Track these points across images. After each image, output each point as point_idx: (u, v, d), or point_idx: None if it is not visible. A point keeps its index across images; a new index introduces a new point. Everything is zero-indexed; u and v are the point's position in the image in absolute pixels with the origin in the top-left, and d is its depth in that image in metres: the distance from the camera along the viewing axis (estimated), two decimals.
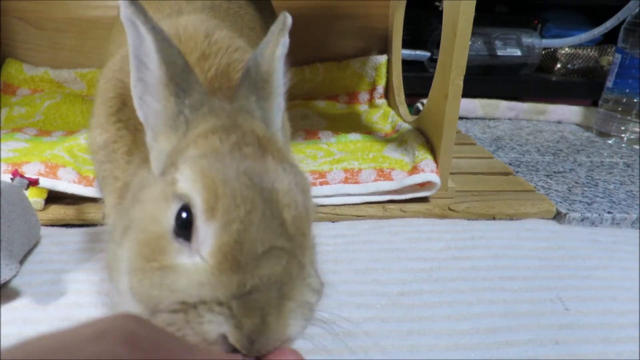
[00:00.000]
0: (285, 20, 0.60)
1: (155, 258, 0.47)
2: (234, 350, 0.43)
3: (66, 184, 0.97)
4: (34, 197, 0.96)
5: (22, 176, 0.93)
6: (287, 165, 0.51)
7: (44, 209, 0.97)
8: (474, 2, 0.96)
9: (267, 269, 0.43)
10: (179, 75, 0.56)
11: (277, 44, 0.59)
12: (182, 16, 0.82)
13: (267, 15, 1.10)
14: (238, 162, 0.48)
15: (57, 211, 0.97)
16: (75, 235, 0.94)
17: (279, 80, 0.59)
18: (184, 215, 0.46)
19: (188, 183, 0.47)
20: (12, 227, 0.81)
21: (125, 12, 0.53)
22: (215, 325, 0.42)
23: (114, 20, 0.92)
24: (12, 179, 0.92)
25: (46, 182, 0.96)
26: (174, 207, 0.47)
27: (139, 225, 0.51)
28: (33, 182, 0.95)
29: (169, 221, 0.47)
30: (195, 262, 0.45)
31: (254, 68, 0.59)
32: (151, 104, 0.57)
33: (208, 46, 0.72)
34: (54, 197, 0.99)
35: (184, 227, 0.47)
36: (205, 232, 0.45)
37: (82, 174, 1.00)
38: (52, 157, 1.03)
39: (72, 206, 0.98)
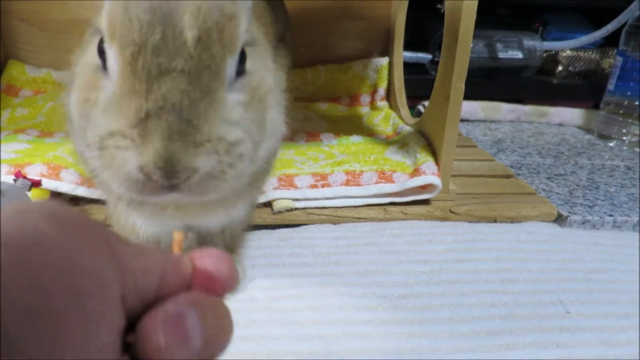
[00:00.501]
0: None
1: (90, 96, 0.49)
2: (161, 190, 0.44)
3: (68, 186, 0.98)
4: (37, 199, 0.96)
5: (24, 177, 0.94)
6: None
7: None
8: (476, 4, 0.96)
9: (162, 91, 0.43)
10: None
11: None
12: None
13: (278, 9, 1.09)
14: None
15: None
16: None
17: None
18: (103, 46, 0.47)
19: (102, 16, 0.47)
20: None
21: None
22: (128, 163, 0.43)
23: None
24: (14, 180, 0.92)
25: (48, 184, 0.97)
26: (96, 41, 0.49)
27: (80, 73, 0.53)
28: (35, 184, 0.95)
29: (97, 55, 0.49)
30: (107, 91, 0.47)
31: None
32: None
33: None
34: (56, 199, 0.99)
35: (104, 60, 0.48)
36: (110, 57, 0.46)
37: (84, 176, 1.00)
38: (55, 158, 1.03)
39: (74, 207, 0.99)
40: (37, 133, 1.24)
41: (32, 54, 1.51)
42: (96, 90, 0.49)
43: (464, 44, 0.99)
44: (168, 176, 0.43)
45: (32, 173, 0.98)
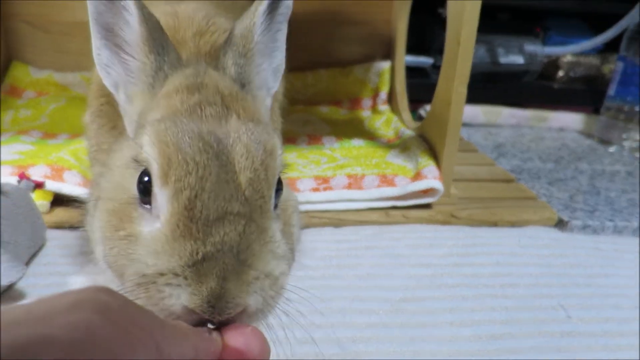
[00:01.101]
0: None
1: (123, 226, 0.48)
2: (202, 323, 0.42)
3: (71, 187, 0.98)
4: (40, 200, 0.96)
5: (28, 179, 0.94)
6: (252, 125, 0.50)
7: (49, 212, 0.98)
8: (478, 9, 0.97)
9: (221, 235, 0.43)
10: (157, 33, 0.57)
11: (260, 1, 0.59)
12: (183, 4, 0.84)
13: None
14: (196, 124, 0.48)
15: (63, 214, 0.98)
16: (80, 238, 0.95)
17: (259, 36, 0.58)
18: (145, 179, 0.47)
19: (147, 148, 0.47)
20: (19, 229, 0.82)
21: None
22: (174, 298, 0.42)
23: None
24: (18, 182, 0.93)
25: (52, 185, 0.97)
26: (137, 173, 0.48)
27: (108, 194, 0.52)
28: (39, 185, 0.96)
29: (134, 188, 0.48)
30: (153, 230, 0.46)
31: (236, 25, 0.60)
32: (130, 62, 0.58)
33: (205, 25, 0.73)
34: (60, 200, 0.99)
35: (146, 194, 0.47)
36: (161, 198, 0.45)
37: (87, 177, 1.01)
38: (58, 160, 1.03)
39: (77, 209, 0.99)
40: (40, 134, 1.25)
41: (35, 56, 1.51)
42: (131, 222, 0.48)
43: (466, 48, 1.00)
44: (218, 313, 0.42)
45: (36, 174, 0.98)
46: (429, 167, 1.07)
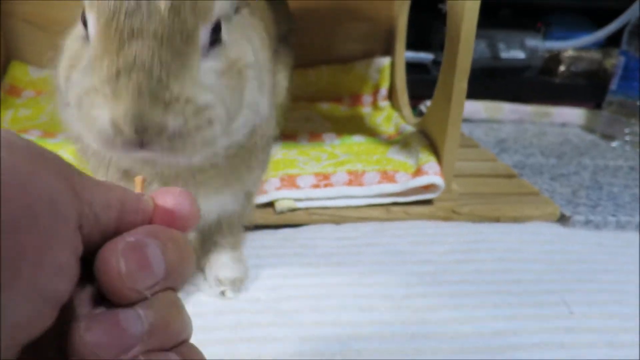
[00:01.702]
0: None
1: (74, 63, 0.53)
2: (133, 145, 0.46)
3: None
4: None
5: None
6: None
7: None
8: (478, 4, 0.96)
9: (133, 51, 0.46)
10: None
11: None
12: None
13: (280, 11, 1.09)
14: None
15: None
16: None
17: None
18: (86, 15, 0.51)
19: None
20: None
21: None
22: (101, 117, 0.46)
23: None
24: None
25: None
26: (80, 12, 0.53)
27: (67, 46, 0.58)
28: None
29: (82, 26, 0.53)
30: (87, 56, 0.50)
31: None
32: None
33: None
34: None
35: (86, 25, 0.51)
36: (90, 24, 0.49)
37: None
38: None
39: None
40: (39, 133, 1.25)
41: (34, 55, 1.51)
42: (80, 58, 0.52)
43: (466, 43, 0.99)
44: (137, 131, 0.45)
45: None
46: (430, 163, 1.06)
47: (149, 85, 0.45)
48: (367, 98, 1.56)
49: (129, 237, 0.30)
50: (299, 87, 1.53)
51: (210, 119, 0.49)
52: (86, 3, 0.50)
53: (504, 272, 0.91)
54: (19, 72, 1.48)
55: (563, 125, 1.86)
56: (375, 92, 1.55)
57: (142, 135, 0.46)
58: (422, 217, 1.05)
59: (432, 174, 1.03)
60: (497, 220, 1.08)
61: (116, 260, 0.28)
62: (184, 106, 0.47)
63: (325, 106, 1.53)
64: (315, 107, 1.51)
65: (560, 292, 0.87)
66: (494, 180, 1.24)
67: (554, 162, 1.49)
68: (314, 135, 1.30)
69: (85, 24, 0.51)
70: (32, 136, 1.22)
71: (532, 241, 1.01)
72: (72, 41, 0.57)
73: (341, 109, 1.53)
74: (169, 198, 0.33)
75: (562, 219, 1.10)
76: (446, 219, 1.06)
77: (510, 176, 1.28)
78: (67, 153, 1.07)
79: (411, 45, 1.61)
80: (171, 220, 0.33)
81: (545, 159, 1.51)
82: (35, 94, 1.46)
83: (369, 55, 1.59)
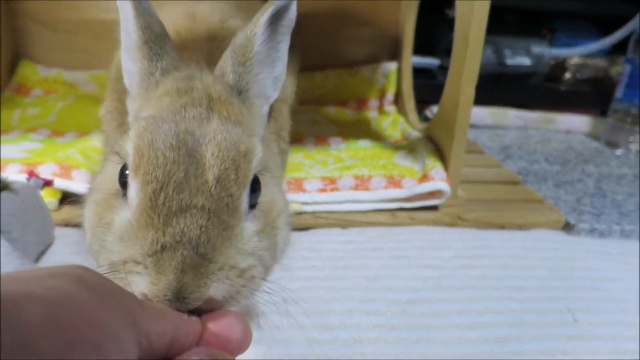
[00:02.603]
0: None
1: (105, 216, 0.51)
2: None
3: (79, 185, 0.98)
4: (49, 198, 0.97)
5: (37, 177, 0.95)
6: (231, 126, 0.52)
7: (57, 210, 0.98)
8: (487, 9, 0.96)
9: (180, 227, 0.44)
10: (154, 40, 0.61)
11: (263, 12, 0.60)
12: (202, 4, 0.85)
13: None
14: (175, 124, 0.50)
15: (71, 212, 0.98)
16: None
17: (259, 46, 0.60)
18: (126, 172, 0.50)
19: (127, 143, 0.50)
20: (28, 227, 0.82)
21: None
22: (135, 286, 0.44)
23: None
24: (28, 179, 0.93)
25: (60, 183, 0.98)
26: (119, 166, 0.51)
27: (98, 187, 0.55)
28: (48, 183, 0.96)
29: (117, 180, 0.51)
30: (123, 219, 0.48)
31: (239, 34, 0.62)
32: (130, 67, 0.62)
33: (220, 29, 0.76)
34: (67, 198, 1.00)
35: (125, 186, 0.50)
36: (132, 189, 0.48)
37: (94, 175, 1.01)
38: (66, 158, 1.04)
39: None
40: (48, 132, 1.25)
41: (43, 54, 1.52)
42: (112, 212, 0.50)
43: (474, 49, 1.00)
44: (177, 306, 0.42)
45: (44, 172, 0.99)
46: (436, 168, 1.07)
47: (193, 262, 0.43)
48: (373, 102, 1.56)
49: (191, 356, 0.31)
50: (305, 90, 1.53)
51: (252, 277, 0.48)
52: (129, 165, 0.49)
53: (509, 279, 0.91)
54: (28, 70, 1.49)
55: (568, 132, 1.87)
56: (382, 96, 1.56)
57: (179, 308, 0.42)
58: (428, 223, 1.06)
59: (439, 180, 1.04)
60: (502, 227, 1.09)
61: None
62: (227, 273, 0.45)
63: (331, 110, 1.54)
64: (321, 111, 1.52)
65: (565, 299, 0.87)
66: (499, 187, 1.24)
67: (558, 169, 1.49)
68: (320, 138, 1.31)
69: (122, 179, 0.50)
70: (41, 135, 1.23)
71: (537, 248, 1.02)
72: (102, 186, 0.54)
73: (347, 113, 1.54)
74: (221, 322, 0.35)
75: (567, 227, 1.11)
76: (452, 224, 1.07)
77: (515, 183, 1.29)
78: (76, 152, 1.08)
79: (417, 50, 1.62)
80: (224, 343, 0.34)
81: (550, 165, 1.52)
82: (43, 93, 1.47)
83: (375, 59, 1.59)
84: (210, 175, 0.47)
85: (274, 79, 0.64)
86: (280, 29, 0.63)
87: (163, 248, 0.43)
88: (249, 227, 0.50)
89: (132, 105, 0.64)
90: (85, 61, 1.51)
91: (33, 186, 0.90)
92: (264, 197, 0.54)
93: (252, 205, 0.52)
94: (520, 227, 1.09)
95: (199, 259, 0.43)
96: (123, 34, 0.63)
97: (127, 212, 0.48)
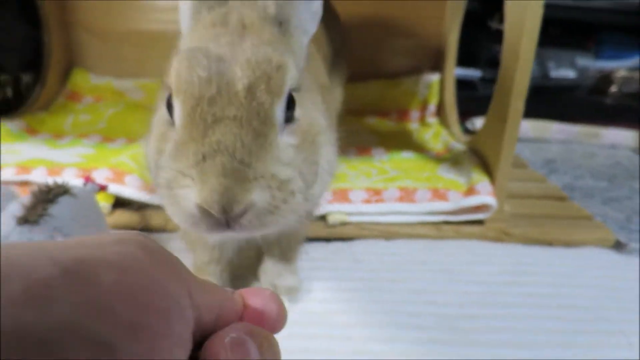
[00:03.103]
0: None
1: (162, 147, 0.55)
2: (219, 225, 0.48)
3: (132, 190, 1.01)
4: (102, 202, 1.00)
5: (93, 182, 0.98)
6: (262, 46, 0.55)
7: (110, 214, 1.01)
8: (539, 21, 0.96)
9: (217, 136, 0.48)
10: None
11: None
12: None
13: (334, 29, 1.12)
14: (209, 50, 0.54)
15: (123, 216, 1.01)
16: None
17: None
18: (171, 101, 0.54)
19: (170, 72, 0.54)
20: (87, 230, 0.85)
21: None
22: (187, 200, 0.48)
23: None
24: (84, 184, 0.97)
25: (114, 188, 1.01)
26: (165, 96, 0.55)
27: (155, 125, 0.60)
28: (103, 188, 1.00)
29: (166, 112, 0.55)
30: (171, 140, 0.53)
31: None
32: (183, 7, 0.66)
33: None
34: (119, 203, 1.03)
35: (171, 112, 0.54)
36: (176, 110, 0.52)
37: (146, 181, 1.04)
38: (119, 164, 1.07)
39: (136, 212, 1.02)
40: (99, 138, 1.30)
41: (95, 63, 1.58)
42: (167, 141, 0.55)
43: (524, 63, 0.99)
44: (225, 210, 0.46)
45: (99, 177, 1.02)
46: (482, 182, 1.05)
47: (233, 167, 0.47)
48: (414, 114, 1.56)
49: (232, 333, 0.32)
50: (346, 100, 1.54)
51: (292, 191, 0.51)
52: (174, 89, 0.53)
53: (558, 297, 0.89)
54: (80, 78, 1.55)
55: (612, 146, 1.81)
56: (423, 108, 1.55)
57: (229, 213, 0.47)
58: (473, 237, 1.04)
59: (485, 194, 1.03)
60: (549, 243, 1.06)
61: (225, 352, 0.30)
62: (268, 182, 0.49)
63: (372, 120, 1.54)
64: (362, 121, 1.53)
65: (617, 321, 0.84)
66: (544, 202, 1.22)
67: (605, 185, 1.45)
68: (362, 149, 1.31)
69: (169, 109, 0.54)
70: (93, 141, 1.27)
71: (586, 267, 0.99)
72: (158, 122, 0.59)
73: (388, 124, 1.54)
74: (258, 300, 0.36)
75: (618, 246, 1.07)
76: (497, 239, 1.05)
77: (561, 199, 1.26)
78: (127, 158, 1.11)
79: (458, 61, 1.61)
80: (260, 321, 0.35)
81: (596, 181, 1.48)
82: (94, 100, 1.53)
83: (417, 70, 1.59)
84: (240, 85, 0.50)
85: (312, 13, 0.66)
86: None
87: (204, 157, 0.47)
88: (285, 140, 0.53)
89: (180, 43, 0.68)
90: (133, 70, 1.56)
91: (89, 191, 0.94)
92: (301, 115, 0.56)
93: (287, 120, 0.54)
94: (568, 244, 1.07)
95: (238, 164, 0.47)
96: None
97: (174, 134, 0.53)
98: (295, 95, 0.56)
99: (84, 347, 0.22)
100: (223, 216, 0.47)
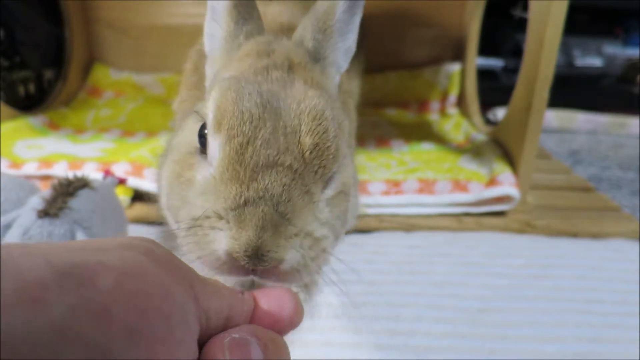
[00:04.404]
0: None
1: (184, 173, 0.51)
2: (242, 272, 0.44)
3: (150, 184, 1.02)
4: (122, 195, 1.01)
5: (113, 175, 0.99)
6: (319, 92, 0.51)
7: (129, 207, 1.02)
8: (565, 8, 0.93)
9: (265, 183, 0.44)
10: (244, 5, 0.63)
11: None
12: (270, 6, 0.88)
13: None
14: (259, 83, 0.50)
15: (142, 209, 1.02)
16: (159, 233, 0.98)
17: (340, 14, 0.61)
18: (205, 131, 0.50)
19: (209, 102, 0.50)
20: (106, 223, 0.86)
21: None
22: (217, 243, 0.43)
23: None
24: (104, 178, 0.97)
25: (133, 181, 1.02)
26: (199, 125, 0.51)
27: (176, 148, 0.56)
28: (122, 181, 1.00)
29: (197, 139, 0.51)
30: (206, 175, 0.48)
31: (319, 3, 0.62)
32: (216, 30, 0.64)
33: (288, 29, 0.76)
34: (138, 196, 1.03)
35: (204, 144, 0.50)
36: (213, 145, 0.48)
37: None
38: (138, 157, 1.08)
39: (155, 205, 1.03)
40: (119, 132, 1.31)
41: (115, 58, 1.59)
42: (191, 169, 0.51)
43: (549, 50, 0.96)
44: (254, 262, 0.43)
45: (118, 171, 1.03)
46: (505, 173, 1.03)
47: (273, 219, 0.43)
48: (434, 104, 1.53)
49: (234, 334, 0.31)
50: (365, 92, 1.52)
51: (324, 249, 0.48)
52: (209, 122, 0.48)
53: (586, 291, 0.86)
54: (100, 74, 1.56)
55: None
56: (444, 98, 1.52)
57: (258, 265, 0.43)
58: (495, 229, 1.02)
59: (508, 185, 1.00)
60: (574, 235, 1.03)
61: (222, 353, 0.30)
62: (302, 240, 0.45)
63: (391, 112, 1.52)
64: (381, 113, 1.51)
65: None
66: (570, 194, 1.18)
67: (633, 176, 1.40)
68: (382, 141, 1.30)
69: (201, 138, 0.50)
70: (113, 135, 1.29)
71: (614, 259, 0.96)
72: (180, 146, 0.55)
73: (408, 115, 1.51)
74: (271, 300, 0.34)
75: None
76: (520, 231, 1.02)
77: (587, 190, 1.22)
78: (146, 152, 1.12)
79: (480, 51, 1.57)
80: (272, 322, 0.34)
81: (624, 172, 1.43)
82: (114, 95, 1.54)
83: (437, 61, 1.56)
84: (308, 140, 0.47)
85: (346, 50, 0.64)
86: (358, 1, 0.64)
87: (246, 202, 0.43)
88: (325, 196, 0.50)
89: (211, 68, 0.66)
90: (153, 65, 1.57)
91: (109, 184, 0.94)
92: (340, 169, 0.54)
93: (334, 174, 0.52)
94: (595, 236, 1.03)
95: (278, 217, 0.43)
96: (210, 7, 0.65)
97: (208, 169, 0.48)
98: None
99: (76, 350, 0.22)
100: (249, 266, 0.44)
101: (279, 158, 0.45)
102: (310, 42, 0.61)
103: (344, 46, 0.64)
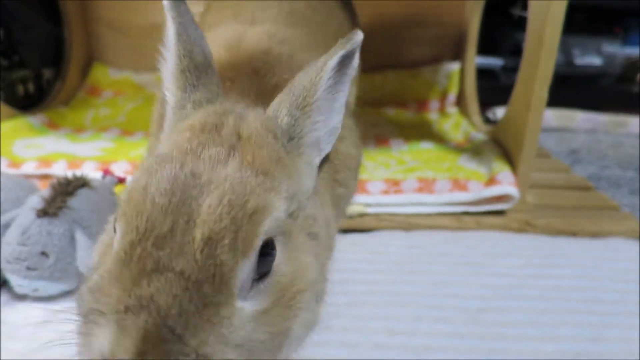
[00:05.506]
0: (352, 36, 0.51)
1: (102, 259, 0.46)
2: None
3: None
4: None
5: (112, 174, 0.99)
6: (250, 175, 0.44)
7: None
8: (564, 7, 0.93)
9: (150, 291, 0.38)
10: (192, 70, 0.55)
11: (331, 55, 0.51)
12: (254, 27, 0.81)
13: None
14: (181, 164, 0.43)
15: None
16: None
17: (323, 92, 0.52)
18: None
19: (128, 183, 0.44)
20: (105, 221, 0.86)
21: (165, 5, 0.56)
22: (96, 340, 0.38)
23: None
24: (103, 177, 0.97)
25: None
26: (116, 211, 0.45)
27: (108, 226, 0.49)
28: (121, 180, 1.00)
29: (112, 228, 0.45)
30: (103, 270, 0.42)
31: (300, 75, 0.54)
32: (166, 95, 0.56)
33: (263, 64, 0.69)
34: None
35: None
36: (116, 238, 0.42)
37: None
38: (137, 157, 1.08)
39: None
40: (118, 132, 1.31)
41: (114, 58, 1.59)
42: (105, 255, 0.45)
43: (548, 50, 0.96)
44: None
45: (118, 170, 1.03)
46: (504, 172, 1.03)
47: (159, 334, 0.37)
48: (434, 104, 1.53)
49: None
50: (364, 91, 1.52)
51: None
52: (121, 208, 0.42)
53: (585, 290, 0.86)
54: (100, 73, 1.56)
55: None
56: (443, 98, 1.52)
57: None
58: (495, 228, 1.02)
59: (507, 184, 1.00)
60: (574, 234, 1.03)
61: None
62: None
63: (390, 111, 1.52)
64: (380, 112, 1.51)
65: None
66: (569, 193, 1.18)
67: (633, 175, 1.40)
68: (381, 140, 1.30)
69: (115, 227, 0.44)
70: (112, 134, 1.29)
71: (614, 259, 0.96)
72: (108, 229, 0.49)
73: (407, 115, 1.51)
74: None
75: None
76: (520, 231, 1.02)
77: (586, 189, 1.22)
78: (146, 151, 1.12)
79: (479, 50, 1.57)
80: None
81: (623, 171, 1.43)
82: (114, 94, 1.54)
83: (436, 60, 1.56)
84: (199, 234, 0.39)
85: (329, 130, 0.55)
86: (343, 77, 0.54)
87: (126, 310, 0.37)
88: (245, 307, 0.41)
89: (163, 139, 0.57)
90: (153, 64, 1.55)
91: (108, 183, 0.94)
92: (285, 265, 0.45)
93: (263, 275, 0.43)
94: (594, 235, 1.03)
95: (167, 332, 0.37)
96: (162, 61, 0.58)
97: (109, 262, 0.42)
98: (280, 240, 0.45)
99: None
100: None
101: (170, 262, 0.38)
102: (285, 118, 0.52)
103: (326, 126, 0.55)
